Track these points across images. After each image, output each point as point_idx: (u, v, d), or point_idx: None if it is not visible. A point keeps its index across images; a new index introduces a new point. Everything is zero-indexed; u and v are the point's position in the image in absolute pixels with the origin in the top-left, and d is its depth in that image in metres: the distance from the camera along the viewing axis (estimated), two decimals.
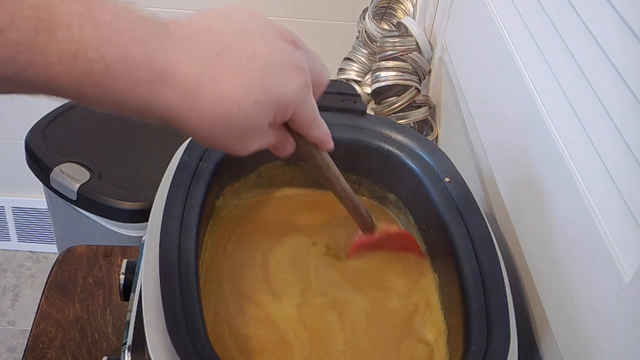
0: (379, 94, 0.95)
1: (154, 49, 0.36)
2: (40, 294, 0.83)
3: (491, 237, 0.56)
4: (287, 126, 0.45)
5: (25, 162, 1.18)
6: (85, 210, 1.12)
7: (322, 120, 0.46)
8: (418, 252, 0.61)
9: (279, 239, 0.62)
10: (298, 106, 0.41)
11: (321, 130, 0.46)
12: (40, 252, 1.82)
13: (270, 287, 0.57)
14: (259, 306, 0.55)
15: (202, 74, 0.37)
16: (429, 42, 0.94)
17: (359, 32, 1.06)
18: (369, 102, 0.99)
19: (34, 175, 1.17)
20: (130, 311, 0.57)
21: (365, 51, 1.04)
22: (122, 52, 0.35)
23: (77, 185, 1.08)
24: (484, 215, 0.58)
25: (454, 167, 0.62)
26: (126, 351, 0.54)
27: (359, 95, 0.67)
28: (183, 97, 0.37)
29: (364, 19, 1.03)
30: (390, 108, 0.93)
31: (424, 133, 0.95)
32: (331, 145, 0.48)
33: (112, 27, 0.34)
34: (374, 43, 0.99)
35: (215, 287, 0.56)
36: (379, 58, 0.95)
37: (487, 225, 0.57)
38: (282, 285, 0.57)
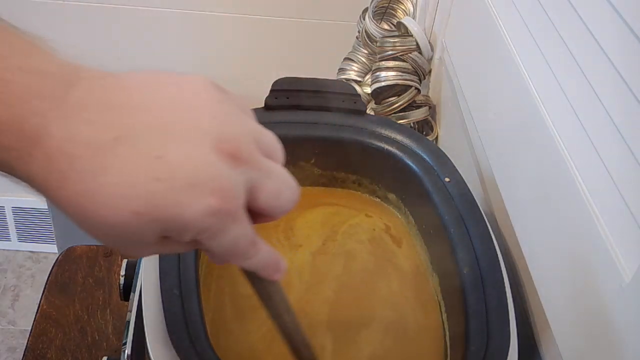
0: (379, 94, 0.95)
1: (29, 110, 0.28)
2: (40, 294, 0.83)
3: (491, 237, 0.56)
4: None
5: None
6: None
7: (262, 245, 0.35)
8: None
9: (284, 237, 0.62)
10: (203, 233, 0.31)
11: (251, 260, 0.34)
12: (40, 252, 1.82)
13: None
14: None
15: (83, 157, 0.29)
16: (429, 42, 0.94)
17: (359, 32, 1.06)
18: (369, 102, 0.99)
19: None
20: (130, 311, 0.57)
21: (365, 51, 1.04)
22: None
23: None
24: (484, 215, 0.58)
25: (454, 167, 0.62)
26: (126, 351, 0.54)
27: (359, 95, 0.67)
28: (50, 176, 0.29)
29: (364, 19, 1.03)
30: (390, 108, 0.93)
31: (424, 133, 0.94)
32: (273, 276, 0.36)
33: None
34: (374, 43, 0.99)
35: (215, 286, 0.56)
36: (379, 58, 0.95)
37: (487, 225, 0.57)
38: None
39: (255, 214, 0.34)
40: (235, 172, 0.31)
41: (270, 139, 0.34)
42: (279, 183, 0.34)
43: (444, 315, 0.56)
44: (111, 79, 0.31)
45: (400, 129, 0.65)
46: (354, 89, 0.68)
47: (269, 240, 0.61)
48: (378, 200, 0.68)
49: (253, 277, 0.37)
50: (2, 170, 0.30)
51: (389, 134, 0.64)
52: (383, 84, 0.93)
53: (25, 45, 0.30)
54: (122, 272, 0.62)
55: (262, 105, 0.65)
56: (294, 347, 0.43)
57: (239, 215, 0.32)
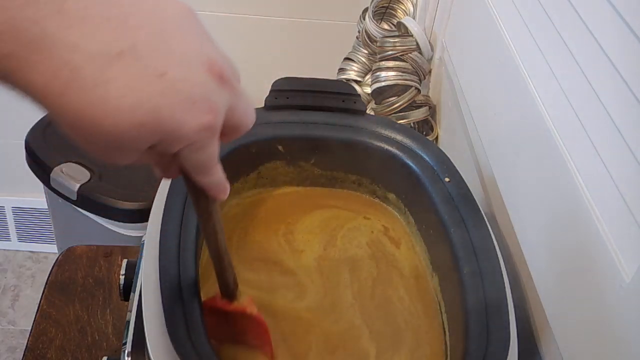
0: (379, 94, 0.95)
1: (28, 16, 0.29)
2: (40, 294, 0.83)
3: (491, 237, 0.56)
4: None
5: (25, 162, 1.18)
6: (85, 210, 1.12)
7: (220, 168, 0.39)
8: (267, 350, 0.52)
9: (285, 234, 0.62)
10: (190, 146, 0.35)
11: (211, 177, 0.39)
12: (40, 252, 1.82)
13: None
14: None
15: (86, 67, 0.30)
16: (429, 42, 0.94)
17: (359, 32, 1.06)
18: (369, 102, 0.99)
19: (34, 175, 1.17)
20: (130, 311, 0.57)
21: (366, 51, 1.04)
22: None
23: (77, 185, 1.09)
24: (484, 215, 0.58)
25: (454, 167, 0.62)
26: (126, 351, 0.54)
27: (359, 95, 0.67)
28: (51, 83, 0.29)
29: (364, 19, 1.03)
30: (390, 108, 0.93)
31: (424, 133, 0.94)
32: (219, 195, 0.40)
33: None
34: (374, 43, 0.99)
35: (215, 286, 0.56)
36: (379, 58, 0.95)
37: (487, 225, 0.57)
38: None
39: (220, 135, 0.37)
40: (222, 92, 0.34)
41: (234, 65, 0.37)
42: (247, 103, 0.38)
43: (444, 315, 0.56)
44: None
45: (400, 129, 0.65)
46: (354, 89, 0.68)
47: (270, 244, 0.62)
48: (378, 200, 0.68)
49: (200, 196, 0.41)
50: (3, 81, 0.30)
51: (389, 134, 0.64)
52: (383, 84, 0.93)
53: None
54: (122, 272, 0.63)
55: (262, 105, 0.65)
56: (222, 265, 0.47)
57: (216, 130, 0.35)
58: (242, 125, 0.38)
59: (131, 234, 1.14)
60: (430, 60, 0.95)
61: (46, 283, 0.84)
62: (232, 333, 0.51)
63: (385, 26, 1.02)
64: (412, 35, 0.93)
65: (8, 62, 0.29)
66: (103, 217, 1.11)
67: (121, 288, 0.62)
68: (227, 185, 0.40)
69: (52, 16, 0.29)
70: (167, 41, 0.32)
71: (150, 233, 0.52)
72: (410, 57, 0.92)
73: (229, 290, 0.49)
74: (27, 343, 0.76)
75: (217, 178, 0.39)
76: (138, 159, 0.35)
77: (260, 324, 0.51)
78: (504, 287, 0.52)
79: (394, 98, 0.93)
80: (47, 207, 1.28)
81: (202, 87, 0.33)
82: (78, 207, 1.12)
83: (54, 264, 0.87)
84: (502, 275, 0.53)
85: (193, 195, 0.41)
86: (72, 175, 1.10)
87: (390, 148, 0.64)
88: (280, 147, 0.64)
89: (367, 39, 1.01)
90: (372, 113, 0.95)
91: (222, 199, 0.41)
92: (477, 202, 0.59)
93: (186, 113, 0.33)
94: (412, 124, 0.93)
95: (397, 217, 0.66)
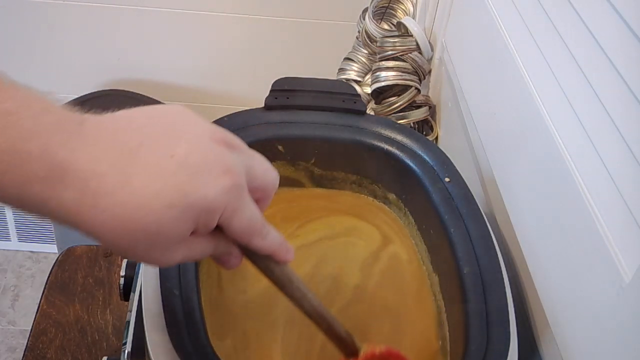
0: (379, 94, 0.95)
1: (56, 143, 0.32)
2: (40, 294, 0.83)
3: (491, 237, 0.56)
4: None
5: None
6: None
7: (272, 228, 0.40)
8: None
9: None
10: (226, 212, 0.36)
11: (267, 240, 0.39)
12: (40, 252, 1.82)
13: None
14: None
15: (109, 173, 0.33)
16: (429, 42, 0.94)
17: (359, 32, 1.06)
18: (369, 102, 0.99)
19: None
20: (130, 311, 0.57)
21: (365, 51, 1.04)
22: (14, 144, 0.31)
23: None
24: (484, 215, 0.58)
25: (454, 167, 0.62)
26: (126, 351, 0.54)
27: (359, 95, 0.67)
28: (82, 197, 0.33)
29: (364, 19, 1.03)
30: (390, 108, 0.93)
31: (424, 133, 0.95)
32: (287, 256, 0.41)
33: (12, 117, 0.31)
34: (374, 43, 0.99)
35: (215, 286, 0.56)
36: (379, 58, 0.95)
37: (487, 225, 0.57)
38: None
39: (255, 201, 0.39)
40: (233, 155, 0.37)
41: (236, 137, 0.39)
42: (263, 162, 0.40)
43: (444, 316, 0.56)
44: (110, 114, 0.36)
45: (400, 129, 0.65)
46: (354, 89, 0.68)
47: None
48: (378, 200, 0.68)
49: (270, 265, 0.41)
50: (34, 210, 0.33)
51: (389, 134, 0.64)
52: (383, 84, 0.93)
53: (30, 93, 0.33)
54: (122, 272, 0.63)
55: (262, 105, 0.65)
56: (328, 324, 0.44)
57: (247, 192, 0.37)
58: (268, 183, 0.40)
59: None
60: (430, 60, 0.95)
61: (46, 283, 0.84)
62: None
63: (385, 26, 1.02)
64: (412, 35, 0.93)
65: (43, 186, 0.32)
66: None
67: (121, 288, 0.62)
68: (290, 246, 0.41)
69: (74, 140, 0.33)
70: (170, 129, 0.36)
71: None
72: (410, 57, 0.92)
73: (347, 346, 0.46)
74: (27, 343, 0.76)
75: (273, 239, 0.40)
76: (188, 254, 0.37)
77: (394, 355, 0.48)
78: (504, 287, 0.52)
79: (394, 98, 0.93)
80: None
81: (212, 155, 0.36)
82: None
83: (54, 264, 0.87)
84: (502, 275, 0.53)
85: (263, 269, 0.41)
86: None
87: (390, 148, 0.64)
88: (280, 147, 0.64)
89: (367, 39, 1.01)
90: (372, 113, 0.95)
91: (290, 260, 0.41)
92: (477, 202, 0.59)
93: (206, 181, 0.35)
94: (412, 124, 0.93)
95: (397, 217, 0.66)
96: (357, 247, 0.63)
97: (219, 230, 0.38)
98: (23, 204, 0.33)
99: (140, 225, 0.33)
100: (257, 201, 0.39)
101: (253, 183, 0.38)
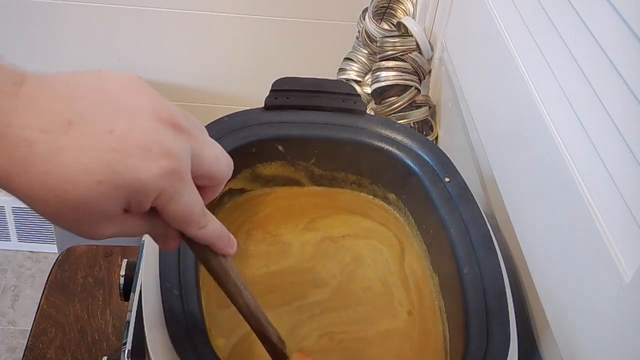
0: (379, 94, 0.95)
1: None
2: (40, 294, 0.83)
3: (491, 237, 0.56)
4: None
5: None
6: None
7: (213, 218, 0.39)
8: None
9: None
10: (162, 196, 0.35)
11: (206, 230, 0.38)
12: (40, 252, 1.82)
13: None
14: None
15: (40, 142, 0.32)
16: (429, 42, 0.94)
17: (359, 32, 1.06)
18: (369, 102, 0.99)
19: None
20: (130, 311, 0.57)
21: (365, 51, 1.04)
22: None
23: None
24: (484, 215, 0.58)
25: (454, 167, 0.62)
26: (126, 351, 0.54)
27: (359, 95, 0.67)
28: (11, 163, 0.32)
29: (364, 19, 1.03)
30: (390, 108, 0.93)
31: (424, 133, 0.95)
32: (226, 249, 0.40)
33: None
34: (374, 43, 0.99)
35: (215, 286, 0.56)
36: (379, 58, 0.95)
37: (487, 225, 0.57)
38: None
39: (200, 188, 0.37)
40: (178, 139, 0.35)
41: (195, 118, 0.38)
42: (216, 149, 0.38)
43: (444, 316, 0.56)
44: (53, 76, 0.34)
45: (400, 129, 0.65)
46: (354, 89, 0.68)
47: (270, 244, 0.62)
48: (378, 200, 0.68)
49: (208, 255, 0.40)
50: None
51: (389, 134, 0.64)
52: (383, 84, 0.93)
53: None
54: (122, 272, 0.63)
55: (262, 105, 0.65)
56: (259, 324, 0.43)
57: (188, 178, 0.36)
58: (217, 172, 0.38)
59: None
60: (430, 60, 0.95)
61: (46, 283, 0.84)
62: None
63: (385, 26, 1.02)
64: (412, 35, 0.93)
65: None
66: None
67: (121, 288, 0.62)
68: (232, 238, 0.40)
69: (8, 103, 0.32)
70: (113, 102, 0.34)
71: None
72: (410, 57, 0.92)
73: (277, 351, 0.45)
74: (27, 343, 0.76)
75: (213, 229, 0.39)
76: (120, 227, 0.36)
77: None
78: (504, 287, 0.52)
79: (394, 98, 0.93)
80: None
81: (153, 135, 0.34)
82: None
83: (54, 264, 0.87)
84: (502, 275, 0.53)
85: (201, 257, 0.40)
86: None
87: (390, 148, 0.64)
88: (280, 147, 0.64)
89: (367, 39, 1.01)
90: (372, 113, 0.95)
91: (230, 254, 0.40)
92: (477, 202, 0.59)
93: (141, 162, 0.33)
94: (412, 124, 0.93)
95: (397, 217, 0.66)
96: (354, 241, 0.63)
97: (155, 211, 0.36)
98: None
99: (67, 197, 0.32)
100: (202, 189, 0.38)
101: (199, 170, 0.37)
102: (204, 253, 0.40)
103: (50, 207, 0.33)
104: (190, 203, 0.36)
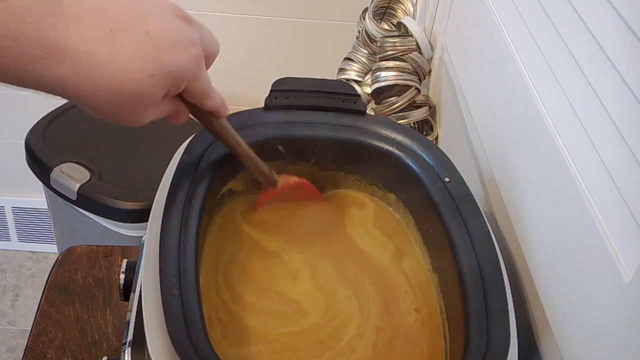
0: (379, 94, 0.95)
1: (46, 26, 0.37)
2: (40, 294, 0.83)
3: (491, 237, 0.56)
4: (180, 96, 0.47)
5: (25, 162, 1.18)
6: (85, 210, 1.12)
7: (215, 90, 0.49)
8: (319, 199, 0.66)
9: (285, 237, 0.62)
10: (191, 78, 0.44)
11: (215, 100, 0.49)
12: (40, 252, 1.82)
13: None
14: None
15: (96, 51, 0.38)
16: (429, 42, 0.94)
17: (359, 32, 1.06)
18: (369, 102, 0.99)
19: (34, 175, 1.17)
20: (130, 311, 0.57)
21: (365, 51, 1.04)
22: (12, 30, 0.35)
23: (77, 185, 1.09)
24: (484, 215, 0.58)
25: (454, 167, 0.62)
26: (126, 351, 0.54)
27: (359, 95, 0.67)
28: (77, 73, 0.38)
29: (364, 19, 1.03)
30: (390, 108, 0.93)
31: (424, 133, 0.95)
32: (226, 111, 0.52)
33: (2, 4, 0.35)
34: (374, 43, 0.99)
35: (215, 285, 0.56)
36: (379, 58, 0.95)
37: (487, 225, 0.57)
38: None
39: None
40: (191, 28, 0.44)
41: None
42: (209, 31, 0.48)
43: (444, 315, 0.56)
44: None
45: (400, 129, 0.65)
46: (354, 89, 0.68)
47: (269, 244, 0.62)
48: (378, 200, 0.68)
49: (211, 120, 0.52)
50: (32, 86, 0.38)
51: (389, 134, 0.64)
52: (383, 84, 0.93)
53: None
54: (122, 272, 0.63)
55: (262, 105, 0.65)
56: (254, 163, 0.58)
57: (203, 58, 0.45)
58: (213, 51, 0.48)
59: (131, 234, 1.14)
60: (430, 60, 0.95)
61: (46, 283, 0.84)
62: (284, 200, 0.63)
63: (385, 26, 1.02)
64: (412, 35, 0.93)
65: (40, 64, 0.37)
66: (103, 217, 1.11)
67: (121, 288, 0.62)
68: (226, 104, 0.51)
69: (62, 21, 0.37)
70: (139, 7, 0.41)
71: (150, 233, 0.52)
72: (410, 57, 0.92)
73: (269, 178, 0.61)
74: (27, 343, 0.76)
75: (219, 98, 0.50)
76: (157, 114, 0.44)
77: (305, 184, 0.64)
78: (504, 287, 0.52)
79: (394, 98, 0.93)
80: (47, 207, 1.28)
81: (179, 29, 0.43)
82: (78, 207, 1.12)
83: (54, 264, 0.87)
84: (502, 275, 0.53)
85: (206, 123, 0.52)
86: (72, 175, 1.10)
87: (390, 148, 0.64)
88: (280, 147, 0.64)
89: (367, 39, 1.01)
90: (372, 113, 0.95)
91: (226, 115, 0.53)
92: (477, 202, 0.59)
93: (178, 53, 0.42)
94: (412, 124, 0.93)
95: (397, 217, 0.66)
96: (354, 240, 0.63)
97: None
98: (22, 81, 0.38)
99: (127, 93, 0.40)
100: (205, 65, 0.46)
101: (204, 51, 0.45)
102: (209, 118, 0.52)
103: (111, 104, 0.40)
104: (207, 80, 0.47)
